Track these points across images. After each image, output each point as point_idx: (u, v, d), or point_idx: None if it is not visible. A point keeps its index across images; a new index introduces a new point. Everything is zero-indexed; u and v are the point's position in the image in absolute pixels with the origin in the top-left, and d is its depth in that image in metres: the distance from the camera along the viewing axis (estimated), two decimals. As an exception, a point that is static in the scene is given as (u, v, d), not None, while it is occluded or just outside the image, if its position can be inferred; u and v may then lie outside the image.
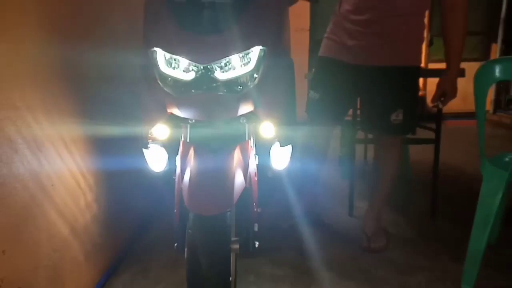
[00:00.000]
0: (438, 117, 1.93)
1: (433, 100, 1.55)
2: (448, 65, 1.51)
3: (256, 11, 1.07)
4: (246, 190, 1.06)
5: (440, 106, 1.55)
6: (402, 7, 1.44)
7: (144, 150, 1.13)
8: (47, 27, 1.06)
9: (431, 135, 1.97)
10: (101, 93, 1.36)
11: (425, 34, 5.55)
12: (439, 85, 1.53)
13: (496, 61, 1.24)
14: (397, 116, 1.52)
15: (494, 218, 1.24)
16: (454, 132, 4.31)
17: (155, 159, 1.15)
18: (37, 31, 1.02)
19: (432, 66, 5.49)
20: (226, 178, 0.98)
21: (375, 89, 1.55)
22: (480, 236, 1.31)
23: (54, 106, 1.09)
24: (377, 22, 1.47)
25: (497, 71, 1.21)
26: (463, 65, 1.60)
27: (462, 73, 1.73)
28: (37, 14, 1.02)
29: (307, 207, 1.89)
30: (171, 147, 1.15)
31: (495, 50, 5.36)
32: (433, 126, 1.94)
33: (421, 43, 1.56)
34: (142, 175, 1.24)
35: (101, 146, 1.34)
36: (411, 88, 1.59)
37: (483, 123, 1.28)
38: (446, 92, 1.51)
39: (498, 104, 5.39)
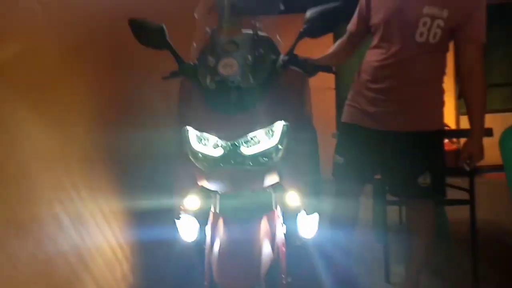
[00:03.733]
0: (471, 177, 1.88)
1: (460, 162, 1.55)
2: (471, 128, 1.52)
3: (278, 90, 1.16)
4: (274, 260, 1.08)
5: (467, 168, 1.54)
6: (420, 76, 1.49)
7: (176, 220, 1.19)
8: (94, 113, 1.20)
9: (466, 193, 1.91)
10: (138, 170, 1.47)
11: (453, 87, 5.59)
12: (464, 147, 1.53)
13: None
14: (424, 180, 1.52)
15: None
16: (495, 185, 4.09)
17: (187, 229, 1.20)
18: (85, 117, 1.15)
19: (463, 118, 5.42)
20: (253, 252, 1.00)
21: (400, 154, 1.57)
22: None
23: (97, 184, 1.19)
24: (396, 90, 1.52)
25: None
26: (497, 116, 1.59)
27: (489, 132, 1.72)
28: (85, 102, 1.16)
29: (341, 278, 1.84)
30: (202, 218, 1.20)
31: (529, 99, 5.25)
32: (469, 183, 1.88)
33: (442, 107, 1.60)
34: (175, 245, 1.28)
35: (137, 218, 1.42)
36: (436, 151, 1.60)
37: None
38: (472, 154, 1.50)
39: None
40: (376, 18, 1.55)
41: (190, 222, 1.20)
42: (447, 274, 2.02)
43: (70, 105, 1.08)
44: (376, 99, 1.57)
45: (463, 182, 1.99)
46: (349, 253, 1.91)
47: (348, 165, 1.66)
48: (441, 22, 1.41)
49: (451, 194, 2.14)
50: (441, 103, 1.59)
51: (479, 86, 1.48)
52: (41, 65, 0.96)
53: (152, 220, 1.51)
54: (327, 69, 1.58)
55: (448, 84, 5.98)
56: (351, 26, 1.70)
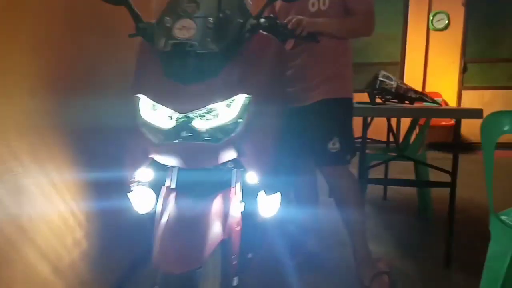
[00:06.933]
0: (455, 161, 1.81)
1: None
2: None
3: (245, 57, 1.05)
4: (226, 241, 1.03)
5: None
6: (322, 50, 1.58)
7: (128, 194, 1.12)
8: (40, 76, 1.09)
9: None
10: (94, 140, 1.39)
11: (459, 60, 5.39)
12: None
13: (502, 113, 1.14)
14: (334, 145, 1.59)
15: (502, 284, 1.11)
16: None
17: (141, 201, 1.14)
18: (28, 79, 1.05)
19: (466, 93, 5.27)
20: (198, 233, 0.94)
21: (313, 123, 1.64)
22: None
23: (46, 154, 1.12)
24: (306, 66, 1.61)
25: (505, 123, 1.11)
26: (498, 92, 1.54)
27: (479, 114, 1.73)
28: (28, 67, 1.05)
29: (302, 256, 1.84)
30: (157, 190, 1.14)
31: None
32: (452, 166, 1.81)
33: (348, 78, 1.68)
34: (133, 215, 1.23)
35: (90, 188, 1.35)
36: (344, 118, 1.66)
37: (491, 176, 1.18)
38: (301, 21, 1.46)
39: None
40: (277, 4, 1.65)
41: (145, 193, 1.14)
42: (419, 256, 1.99)
43: (9, 65, 0.98)
44: (292, 78, 1.60)
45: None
46: (310, 231, 1.93)
47: (285, 146, 1.65)
48: None
49: (435, 175, 2.08)
50: (346, 74, 1.67)
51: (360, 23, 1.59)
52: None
53: (108, 190, 1.45)
54: (310, 37, 1.48)
55: (454, 57, 5.77)
56: None
